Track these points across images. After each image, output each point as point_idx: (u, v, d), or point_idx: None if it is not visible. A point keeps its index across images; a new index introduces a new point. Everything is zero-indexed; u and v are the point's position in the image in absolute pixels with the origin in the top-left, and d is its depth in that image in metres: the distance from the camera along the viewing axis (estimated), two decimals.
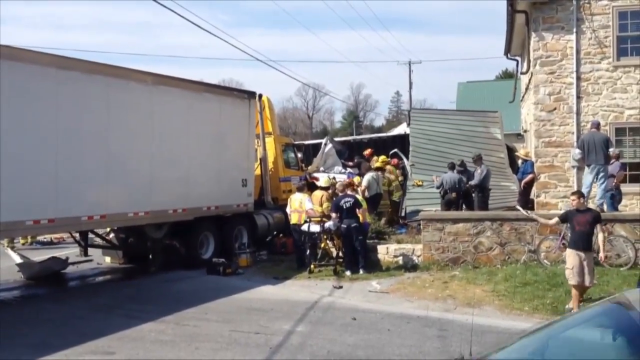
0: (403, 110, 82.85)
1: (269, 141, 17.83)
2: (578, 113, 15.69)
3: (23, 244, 17.93)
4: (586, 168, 13.73)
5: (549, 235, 13.14)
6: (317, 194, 15.31)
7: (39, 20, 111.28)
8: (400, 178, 19.78)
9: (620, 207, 14.37)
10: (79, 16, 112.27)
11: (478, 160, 16.39)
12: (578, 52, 15.63)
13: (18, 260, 13.70)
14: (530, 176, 16.13)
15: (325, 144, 22.42)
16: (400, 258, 14.31)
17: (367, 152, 21.55)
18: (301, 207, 14.48)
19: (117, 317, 10.04)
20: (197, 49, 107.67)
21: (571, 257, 9.93)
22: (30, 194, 10.64)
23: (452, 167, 16.60)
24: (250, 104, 16.52)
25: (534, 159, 16.30)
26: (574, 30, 15.58)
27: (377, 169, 18.89)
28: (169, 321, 9.73)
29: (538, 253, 13.10)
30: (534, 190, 16.53)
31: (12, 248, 14.46)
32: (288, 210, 15.08)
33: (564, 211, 10.70)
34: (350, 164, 21.59)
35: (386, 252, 14.57)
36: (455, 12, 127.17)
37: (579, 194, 10.46)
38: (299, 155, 20.84)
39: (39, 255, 15.23)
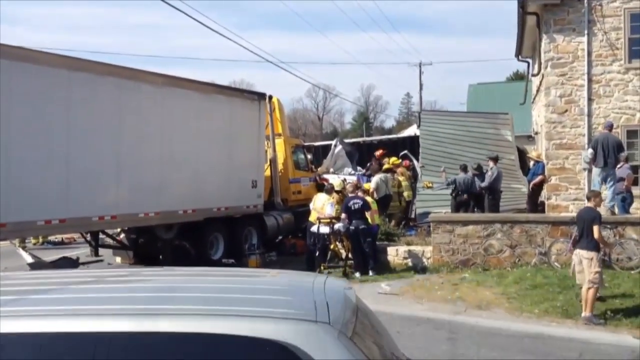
0: (413, 112, 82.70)
1: (279, 142, 17.84)
2: (589, 115, 15.57)
3: (34, 244, 18.05)
4: (594, 168, 13.66)
5: (559, 237, 13.09)
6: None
7: (51, 21, 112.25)
8: (410, 180, 19.75)
9: (631, 209, 14.28)
10: (90, 18, 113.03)
11: (494, 160, 16.29)
12: (589, 54, 15.52)
13: (29, 260, 13.76)
14: (539, 178, 16.05)
15: (335, 146, 22.46)
16: (410, 260, 14.28)
17: (378, 152, 21.40)
18: (322, 209, 14.47)
19: None
20: (208, 50, 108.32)
21: (599, 261, 9.60)
22: (42, 194, 10.70)
23: (464, 168, 16.56)
24: (260, 106, 16.54)
25: (545, 161, 16.21)
26: (585, 32, 15.47)
27: (387, 170, 18.86)
28: None
29: (549, 255, 13.04)
30: (544, 193, 16.45)
31: (24, 248, 14.52)
32: (311, 206, 15.10)
33: (599, 214, 9.72)
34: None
35: (396, 253, 14.55)
36: (465, 14, 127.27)
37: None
38: (309, 156, 20.83)
39: (50, 255, 15.30)
